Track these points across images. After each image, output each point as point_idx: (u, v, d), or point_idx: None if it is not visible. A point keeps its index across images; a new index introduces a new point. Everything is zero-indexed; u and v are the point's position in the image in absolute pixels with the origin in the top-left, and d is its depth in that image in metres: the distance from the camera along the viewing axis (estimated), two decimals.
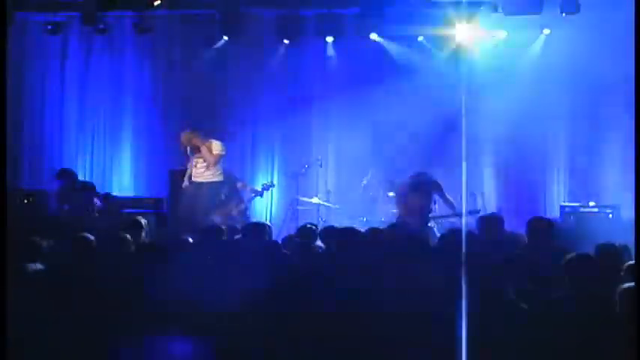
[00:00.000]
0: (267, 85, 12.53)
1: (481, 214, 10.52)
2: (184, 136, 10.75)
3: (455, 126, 11.11)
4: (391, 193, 11.09)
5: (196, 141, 10.60)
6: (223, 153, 10.64)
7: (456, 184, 10.95)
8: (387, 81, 11.99)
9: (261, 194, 11.44)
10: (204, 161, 10.55)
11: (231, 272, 5.11)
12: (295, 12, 11.27)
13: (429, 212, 10.36)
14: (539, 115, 11.92)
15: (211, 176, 10.58)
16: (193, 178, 10.60)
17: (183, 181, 10.91)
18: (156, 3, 9.65)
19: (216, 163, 10.57)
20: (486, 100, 11.64)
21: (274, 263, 5.58)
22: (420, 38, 12.01)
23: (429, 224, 10.34)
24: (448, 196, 10.40)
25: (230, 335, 4.52)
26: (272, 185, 11.74)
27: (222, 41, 12.21)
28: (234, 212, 10.47)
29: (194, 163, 10.64)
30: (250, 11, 11.38)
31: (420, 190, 10.30)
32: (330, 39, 12.08)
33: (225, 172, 10.83)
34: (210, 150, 10.53)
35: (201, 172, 10.59)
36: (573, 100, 11.89)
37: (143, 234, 7.60)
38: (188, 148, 10.69)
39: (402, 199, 10.57)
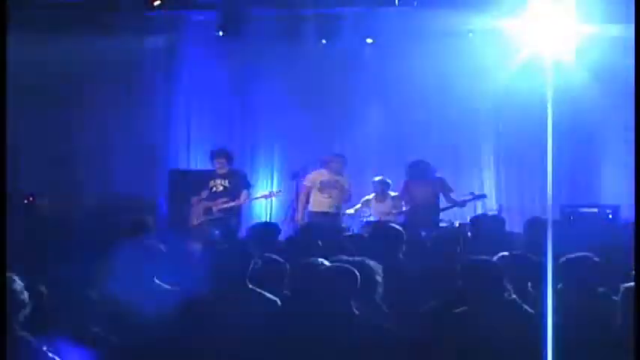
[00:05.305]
0: None
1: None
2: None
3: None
4: (393, 193, 10.89)
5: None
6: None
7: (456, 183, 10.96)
8: None
9: (268, 196, 11.46)
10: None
11: None
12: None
13: (438, 201, 10.20)
14: (540, 115, 11.91)
15: None
16: None
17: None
18: (156, 3, 9.66)
19: None
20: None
21: None
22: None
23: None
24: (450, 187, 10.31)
25: None
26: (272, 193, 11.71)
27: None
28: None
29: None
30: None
31: (426, 177, 10.09)
32: None
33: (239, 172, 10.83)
34: None
35: None
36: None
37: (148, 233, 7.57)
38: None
39: (407, 192, 10.31)
